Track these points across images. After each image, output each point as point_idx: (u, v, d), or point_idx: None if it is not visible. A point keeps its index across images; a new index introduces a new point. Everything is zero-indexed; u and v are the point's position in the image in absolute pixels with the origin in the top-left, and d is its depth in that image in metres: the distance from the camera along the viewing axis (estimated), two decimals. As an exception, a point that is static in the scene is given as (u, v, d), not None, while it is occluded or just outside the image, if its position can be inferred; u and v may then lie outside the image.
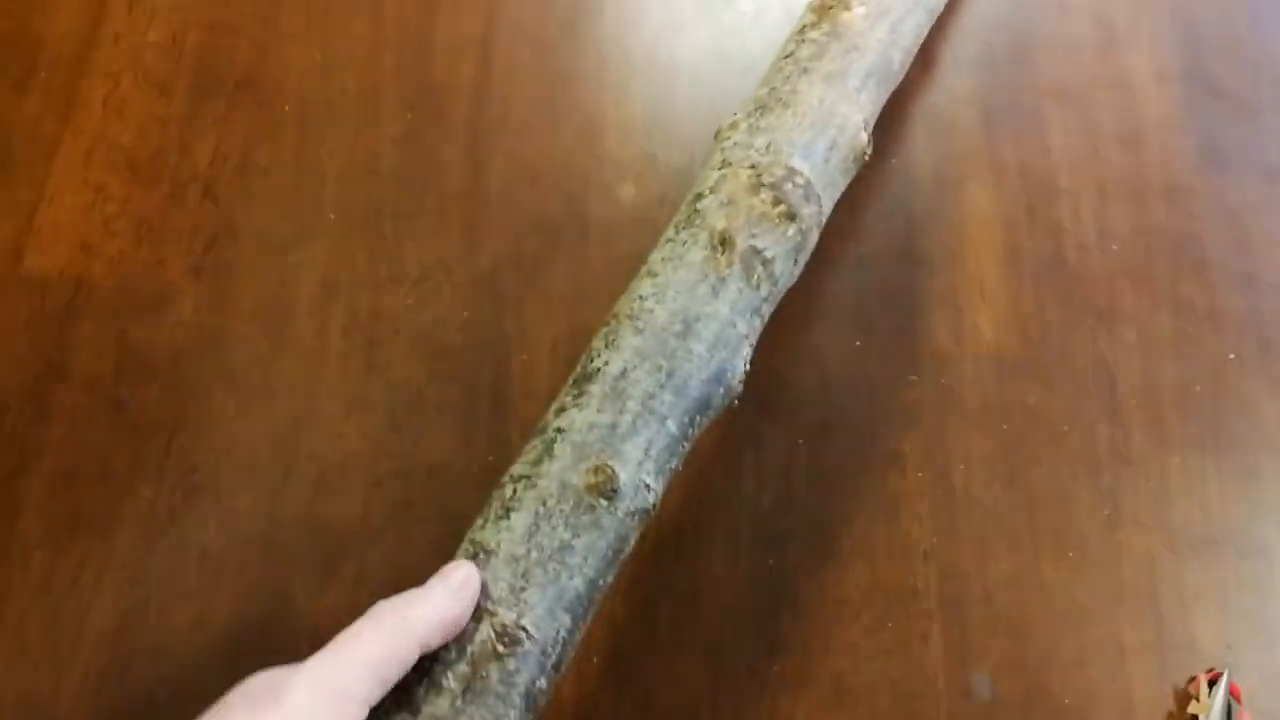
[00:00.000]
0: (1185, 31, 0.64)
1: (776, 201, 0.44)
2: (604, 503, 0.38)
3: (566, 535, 0.38)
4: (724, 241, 0.43)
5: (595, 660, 0.46)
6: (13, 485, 0.46)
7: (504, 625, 0.36)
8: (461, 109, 0.58)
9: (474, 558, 0.38)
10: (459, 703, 0.35)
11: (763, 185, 0.45)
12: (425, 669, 0.36)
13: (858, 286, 0.56)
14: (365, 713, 0.34)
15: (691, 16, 0.62)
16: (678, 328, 0.41)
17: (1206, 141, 0.61)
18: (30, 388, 0.49)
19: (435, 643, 0.36)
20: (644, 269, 0.45)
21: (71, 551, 0.46)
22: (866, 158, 0.49)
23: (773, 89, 0.48)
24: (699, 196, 0.46)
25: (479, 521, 0.39)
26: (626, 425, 0.39)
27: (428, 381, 0.51)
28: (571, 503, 0.38)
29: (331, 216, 0.54)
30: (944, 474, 0.52)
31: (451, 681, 0.35)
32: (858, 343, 0.54)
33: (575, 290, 0.54)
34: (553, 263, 0.55)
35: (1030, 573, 0.50)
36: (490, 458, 0.49)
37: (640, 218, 0.56)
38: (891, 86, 0.53)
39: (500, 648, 0.36)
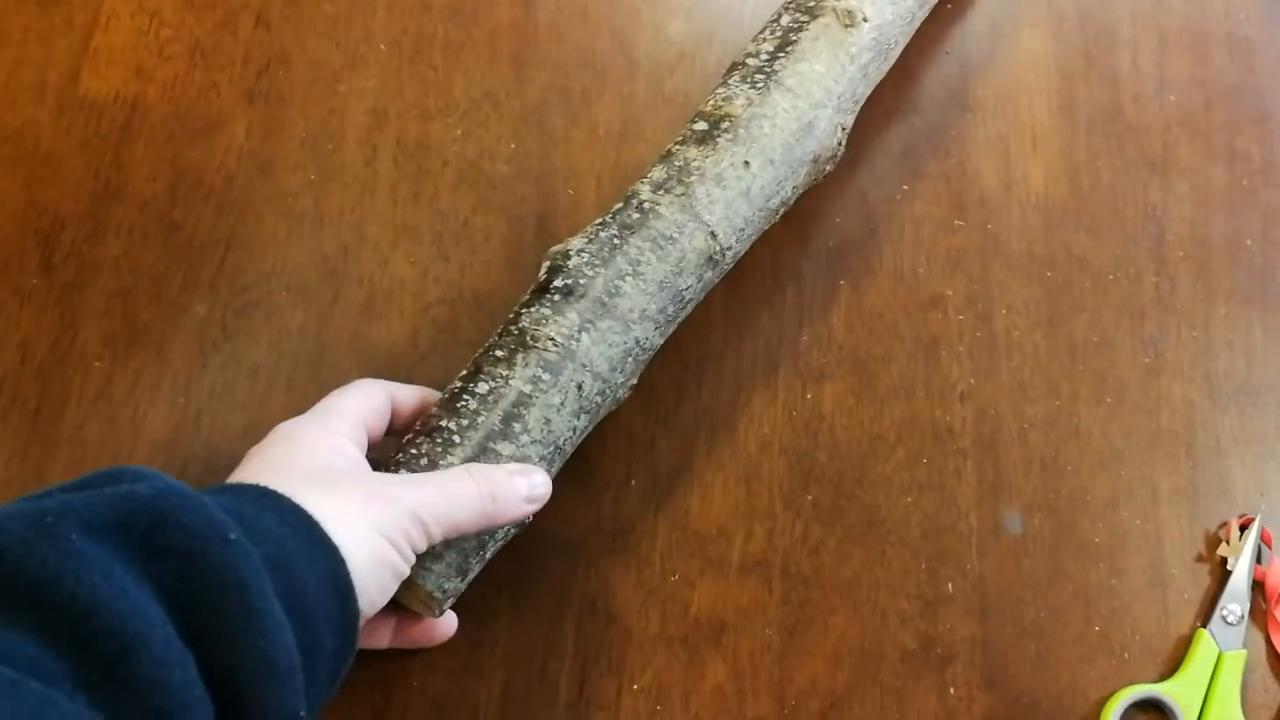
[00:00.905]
0: (1260, -124, 0.59)
1: None
2: None
3: None
4: None
5: (633, 483, 0.46)
6: (72, 298, 0.46)
7: None
8: (512, -57, 0.56)
9: None
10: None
11: None
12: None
13: (907, 132, 0.53)
14: (408, 561, 0.36)
15: None
16: None
17: (1275, -9, 0.57)
18: (87, 206, 0.48)
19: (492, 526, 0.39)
20: None
21: (128, 363, 0.45)
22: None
23: None
24: None
25: None
26: None
27: (474, 212, 0.50)
28: None
29: (382, 47, 0.53)
30: (986, 318, 0.50)
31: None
32: (905, 186, 0.52)
33: (621, 126, 0.52)
34: (600, 98, 0.53)
35: (1067, 416, 0.49)
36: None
37: (689, 54, 0.54)
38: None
39: None
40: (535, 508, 0.39)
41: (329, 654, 0.32)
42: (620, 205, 0.43)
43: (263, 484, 0.33)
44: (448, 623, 0.42)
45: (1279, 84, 0.55)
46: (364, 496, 0.35)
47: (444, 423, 0.39)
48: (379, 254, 0.48)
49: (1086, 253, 0.52)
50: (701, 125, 0.45)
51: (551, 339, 0.40)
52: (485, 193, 0.50)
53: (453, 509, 0.36)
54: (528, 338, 0.40)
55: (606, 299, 0.41)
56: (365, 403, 0.40)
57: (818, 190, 0.49)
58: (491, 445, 0.39)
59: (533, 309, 0.41)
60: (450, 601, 0.40)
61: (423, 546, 0.36)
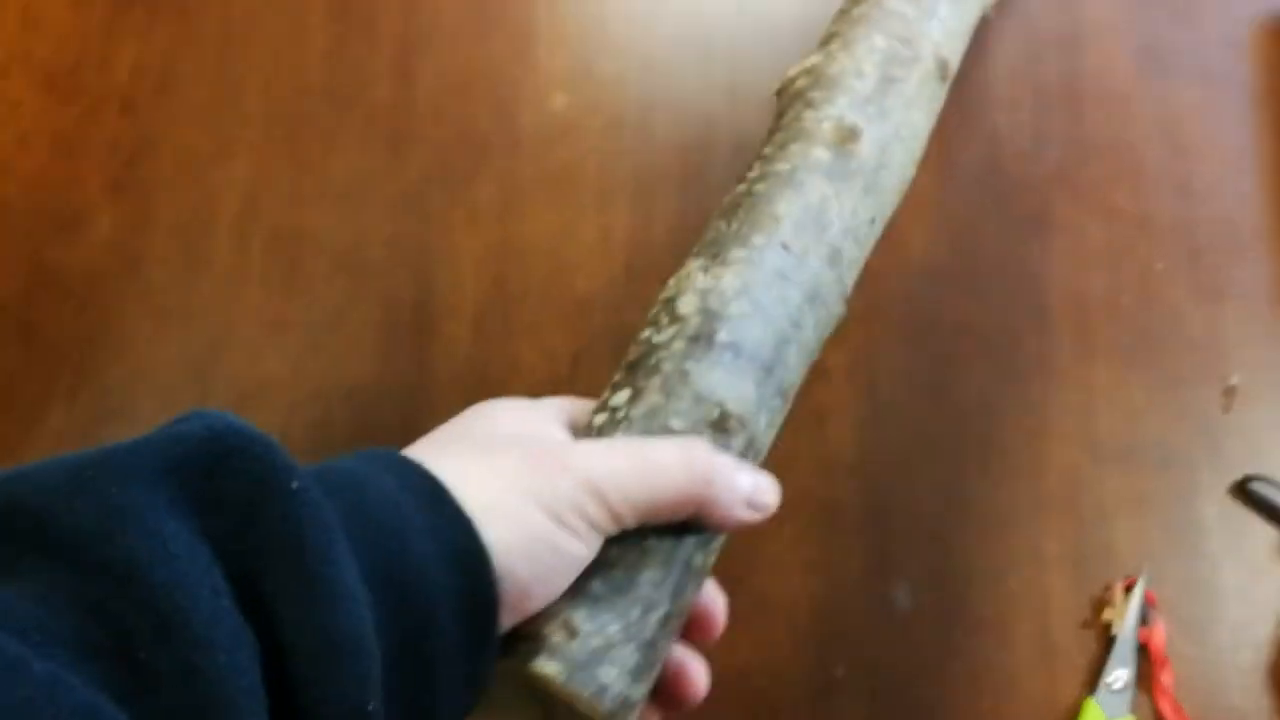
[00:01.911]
0: (1128, -68, 0.58)
1: None
2: None
3: None
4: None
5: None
6: (-77, 411, 0.43)
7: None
8: (390, 19, 0.53)
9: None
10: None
11: None
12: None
13: (790, 198, 0.51)
14: (583, 542, 0.28)
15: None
16: None
17: (1144, 43, 0.56)
18: (-59, 311, 0.45)
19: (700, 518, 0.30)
20: None
21: (-14, 477, 0.42)
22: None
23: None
24: None
25: None
26: None
27: (349, 301, 0.47)
28: None
29: (254, 132, 0.50)
30: (871, 387, 0.48)
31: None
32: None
33: (503, 204, 0.50)
34: (481, 175, 0.50)
35: (953, 484, 0.47)
36: (412, 377, 0.45)
37: (572, 127, 0.52)
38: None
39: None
40: (757, 518, 0.31)
41: (450, 644, 0.25)
42: None
43: (417, 456, 0.27)
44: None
45: (1153, 139, 0.54)
46: (525, 462, 0.28)
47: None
48: (249, 350, 0.45)
49: (968, 315, 0.50)
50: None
51: None
52: (361, 280, 0.47)
53: (648, 484, 0.29)
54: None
55: None
56: (579, 406, 0.34)
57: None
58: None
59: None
60: (631, 711, 0.29)
61: (607, 526, 0.28)
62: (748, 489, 0.31)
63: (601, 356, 0.48)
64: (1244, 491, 0.47)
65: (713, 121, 0.53)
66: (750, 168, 0.39)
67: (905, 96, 0.41)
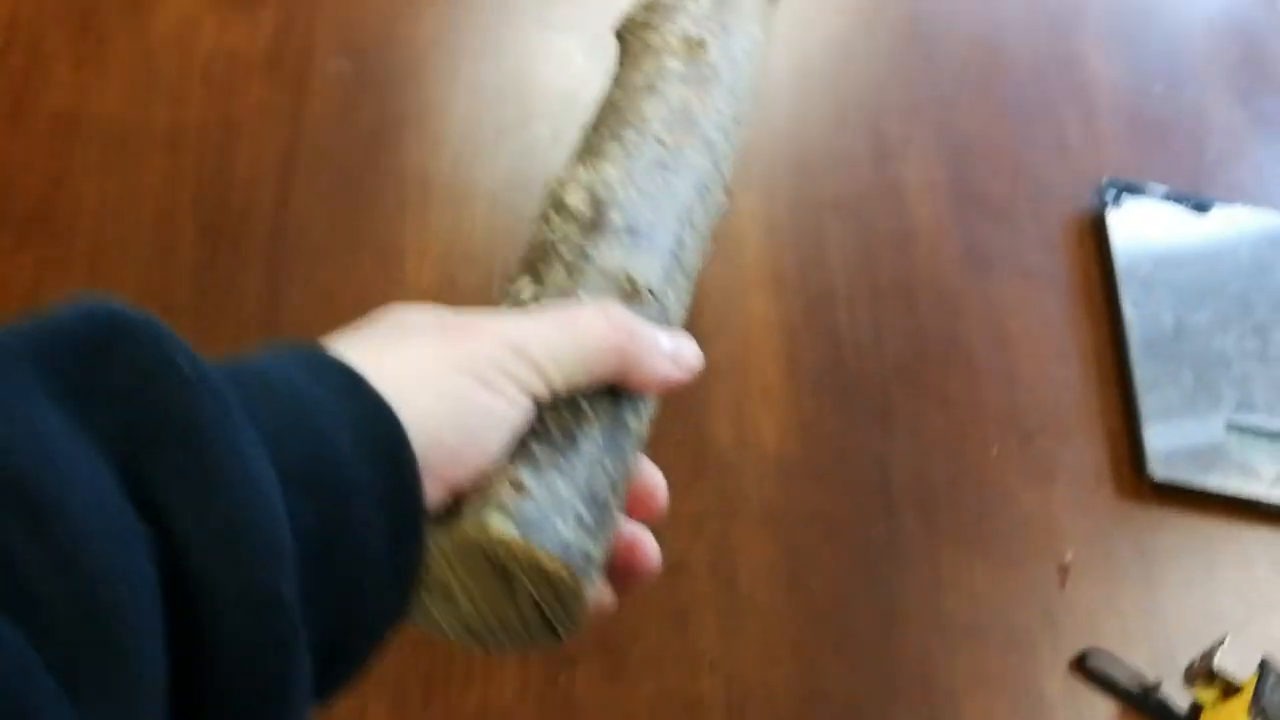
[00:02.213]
0: (951, 144, 0.64)
1: None
2: None
3: None
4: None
5: (383, 795, 0.44)
6: None
7: None
8: (260, 238, 0.55)
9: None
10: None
11: None
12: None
13: (648, 398, 0.54)
14: (511, 401, 0.26)
15: (490, 142, 0.60)
16: None
17: (969, 245, 0.61)
18: None
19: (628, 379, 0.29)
20: None
21: None
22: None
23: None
24: None
25: None
26: None
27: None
28: None
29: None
30: (730, 581, 0.51)
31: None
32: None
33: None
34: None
35: (811, 674, 0.49)
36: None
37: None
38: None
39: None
40: (682, 376, 0.31)
41: (377, 533, 0.24)
42: None
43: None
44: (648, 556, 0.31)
45: (982, 331, 0.59)
46: (436, 335, 0.27)
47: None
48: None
49: (820, 505, 0.53)
50: None
51: None
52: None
53: (572, 339, 0.28)
54: None
55: None
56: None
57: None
58: None
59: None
60: (593, 568, 0.28)
61: (536, 385, 0.27)
62: (670, 345, 0.31)
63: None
64: (1082, 666, 0.51)
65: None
66: (606, 92, 0.41)
67: (741, 13, 0.45)
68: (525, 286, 0.32)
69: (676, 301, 0.35)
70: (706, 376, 0.53)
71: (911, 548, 0.53)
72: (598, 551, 0.28)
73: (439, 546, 0.26)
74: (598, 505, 0.28)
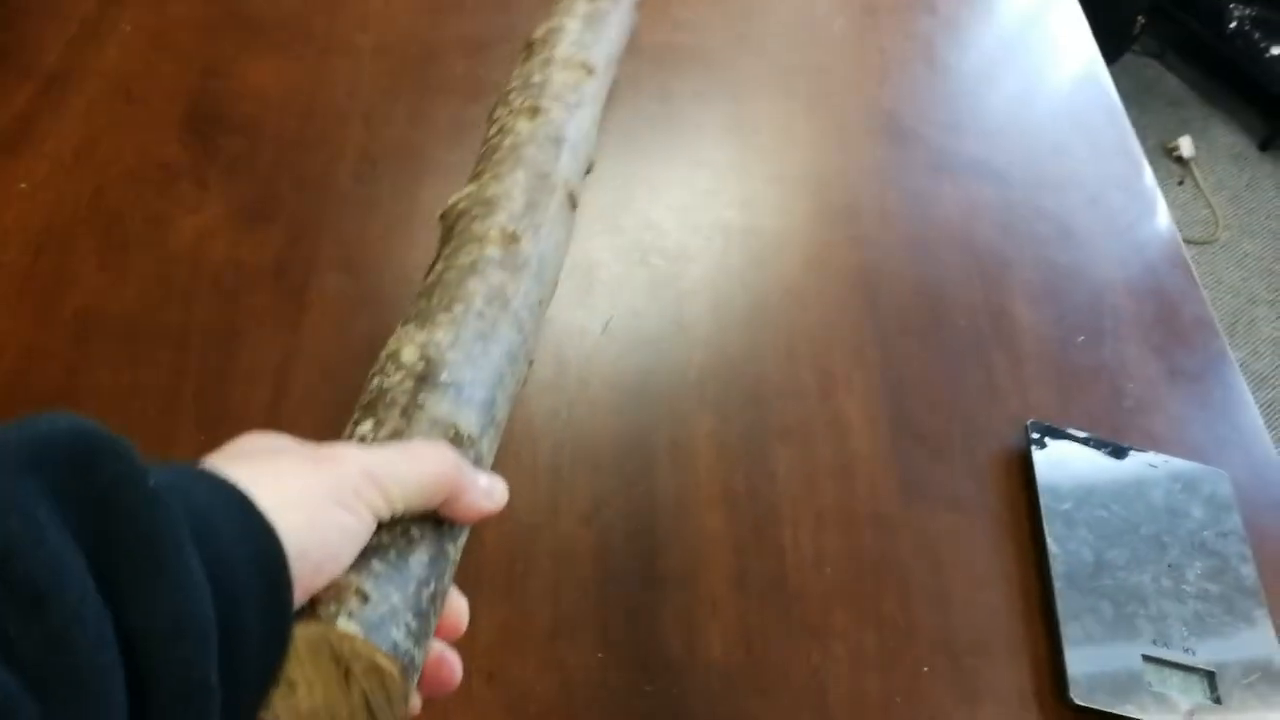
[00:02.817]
0: (892, 382, 0.72)
1: None
2: None
3: None
4: None
5: None
6: None
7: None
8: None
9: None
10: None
11: None
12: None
13: (604, 604, 0.59)
14: (363, 522, 0.32)
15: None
16: None
17: (906, 476, 0.67)
18: None
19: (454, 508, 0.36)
20: None
21: None
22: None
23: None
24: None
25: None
26: None
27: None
28: None
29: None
30: (672, 783, 0.54)
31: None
32: (600, 655, 0.57)
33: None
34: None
35: None
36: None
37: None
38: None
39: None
40: (494, 508, 0.38)
41: (255, 637, 0.28)
42: None
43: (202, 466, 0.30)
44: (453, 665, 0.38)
45: (918, 556, 0.64)
46: (305, 461, 0.32)
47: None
48: None
49: (760, 713, 0.57)
50: None
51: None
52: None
53: (414, 471, 0.34)
54: None
55: None
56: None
57: (519, 652, 0.54)
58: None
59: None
60: (415, 672, 0.34)
61: (381, 508, 0.33)
62: (486, 483, 0.38)
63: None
64: None
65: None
66: (432, 268, 0.50)
67: (549, 215, 0.54)
68: (368, 427, 0.40)
69: (489, 449, 0.44)
70: (657, 585, 0.58)
71: (845, 760, 0.56)
72: (420, 658, 0.34)
73: (293, 642, 0.31)
74: (422, 618, 0.34)
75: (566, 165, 0.58)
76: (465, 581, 0.56)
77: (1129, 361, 0.78)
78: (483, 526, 0.58)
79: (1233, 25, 2.58)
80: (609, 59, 0.70)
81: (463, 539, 0.40)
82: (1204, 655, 0.63)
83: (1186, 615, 0.65)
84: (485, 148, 0.59)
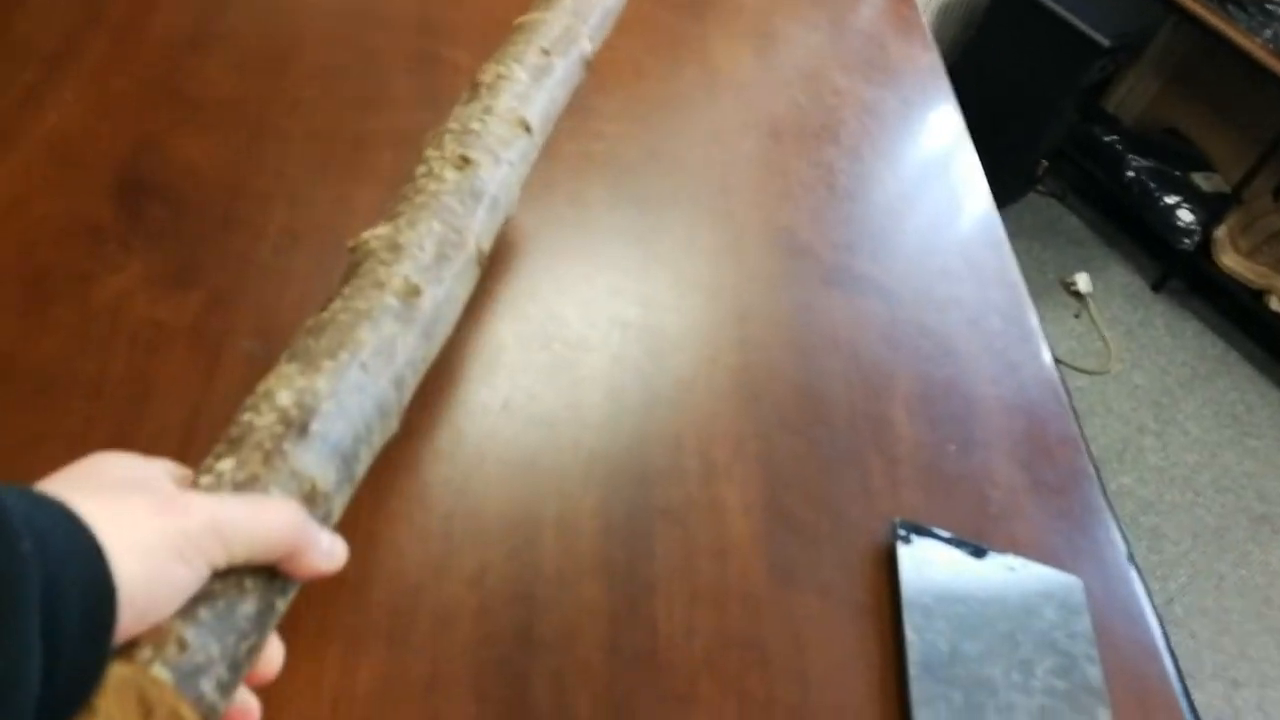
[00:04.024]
0: (769, 472, 0.78)
1: None
2: None
3: None
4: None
5: None
6: None
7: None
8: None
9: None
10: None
11: None
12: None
13: (480, 663, 0.64)
14: (197, 575, 0.34)
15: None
16: None
17: (777, 561, 0.73)
18: None
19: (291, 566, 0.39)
20: None
21: None
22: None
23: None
24: None
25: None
26: None
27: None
28: None
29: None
30: (532, 832, 0.58)
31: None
32: (473, 709, 0.62)
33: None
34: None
35: None
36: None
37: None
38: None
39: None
40: (330, 567, 0.40)
41: (69, 668, 0.31)
42: None
43: (57, 494, 0.32)
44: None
45: (779, 636, 0.70)
46: (156, 505, 0.34)
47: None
48: None
49: (622, 775, 0.62)
50: None
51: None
52: None
53: (257, 526, 0.36)
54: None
55: None
56: (181, 469, 0.42)
57: (394, 704, 0.58)
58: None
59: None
60: (217, 716, 0.36)
61: (219, 560, 0.35)
62: (327, 544, 0.41)
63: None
64: None
65: (419, 588, 0.66)
66: (330, 301, 0.52)
67: (454, 271, 0.58)
68: (228, 465, 0.41)
69: (340, 505, 0.46)
70: (533, 647, 0.63)
71: (699, 821, 0.61)
72: (223, 708, 0.37)
73: (105, 677, 0.33)
74: (234, 669, 0.37)
75: (482, 222, 0.62)
76: (353, 631, 0.61)
77: (996, 471, 0.85)
78: (370, 581, 0.63)
79: (1130, 174, 2.79)
80: (548, 117, 0.75)
81: (293, 592, 0.42)
82: (1045, 745, 0.70)
83: (1033, 708, 0.72)
84: (409, 187, 0.62)
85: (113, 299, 0.74)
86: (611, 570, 0.70)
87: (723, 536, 0.74)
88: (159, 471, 0.40)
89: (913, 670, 0.70)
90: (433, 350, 0.57)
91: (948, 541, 0.78)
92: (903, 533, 0.77)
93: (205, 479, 0.41)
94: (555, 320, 0.83)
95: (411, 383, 0.54)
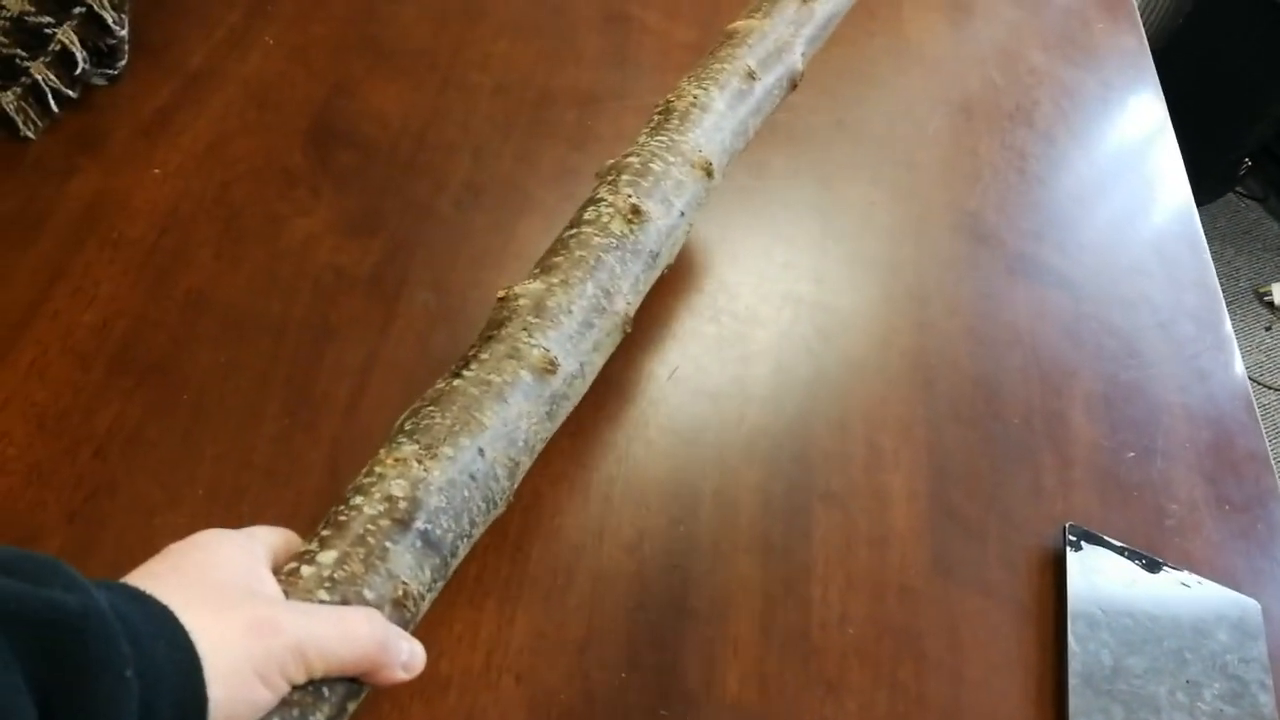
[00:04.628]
0: (937, 463, 0.77)
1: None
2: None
3: None
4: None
5: None
6: None
7: None
8: (332, 424, 0.68)
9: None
10: None
11: None
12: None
13: (633, 627, 0.65)
14: (276, 693, 0.37)
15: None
16: None
17: (939, 554, 0.73)
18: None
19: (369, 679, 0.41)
20: None
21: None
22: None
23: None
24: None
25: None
26: None
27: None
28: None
29: (200, 492, 0.63)
30: (673, 801, 0.59)
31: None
32: (624, 674, 0.63)
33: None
34: (379, 563, 0.63)
35: None
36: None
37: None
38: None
39: None
40: (408, 677, 0.42)
41: None
42: None
43: (164, 596, 0.36)
44: None
45: (936, 631, 0.69)
46: (250, 626, 0.36)
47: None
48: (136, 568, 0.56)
49: (766, 754, 0.62)
50: None
51: None
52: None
53: (341, 647, 0.38)
54: None
55: None
56: (282, 539, 0.45)
57: (549, 659, 0.60)
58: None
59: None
60: None
61: (300, 679, 0.38)
62: (406, 656, 0.42)
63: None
64: None
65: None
66: (466, 364, 0.53)
67: (594, 341, 0.58)
68: (328, 559, 0.43)
69: (429, 601, 0.47)
70: (685, 618, 0.64)
71: (841, 809, 0.61)
72: None
73: None
74: None
75: (636, 281, 0.61)
76: (508, 587, 0.62)
77: (1176, 482, 0.82)
78: (530, 538, 0.65)
79: (1342, 181, 2.62)
80: (735, 151, 0.72)
81: (365, 694, 0.43)
82: (1209, 772, 0.67)
83: (1199, 732, 0.69)
84: (574, 231, 0.61)
85: (300, 242, 0.77)
86: (768, 548, 0.70)
87: (884, 524, 0.73)
88: (262, 552, 0.42)
89: (1073, 681, 0.69)
90: (553, 429, 0.56)
91: (1120, 551, 0.76)
92: (1073, 538, 0.75)
93: (307, 570, 0.43)
94: (726, 292, 0.83)
95: (527, 464, 0.54)
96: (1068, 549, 0.75)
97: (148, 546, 0.61)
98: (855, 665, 0.67)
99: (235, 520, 0.62)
